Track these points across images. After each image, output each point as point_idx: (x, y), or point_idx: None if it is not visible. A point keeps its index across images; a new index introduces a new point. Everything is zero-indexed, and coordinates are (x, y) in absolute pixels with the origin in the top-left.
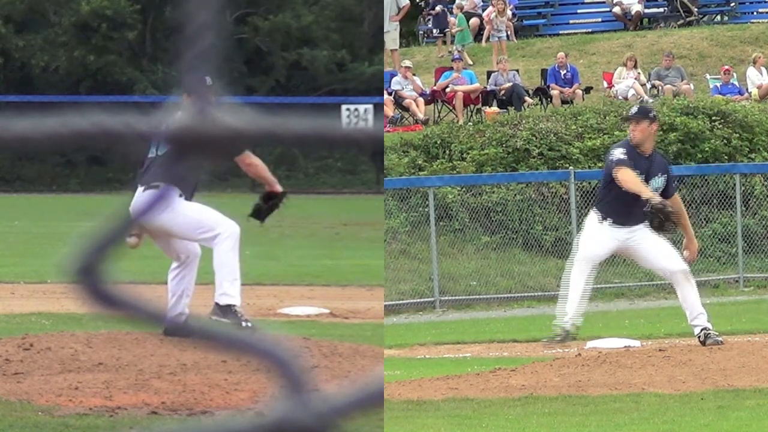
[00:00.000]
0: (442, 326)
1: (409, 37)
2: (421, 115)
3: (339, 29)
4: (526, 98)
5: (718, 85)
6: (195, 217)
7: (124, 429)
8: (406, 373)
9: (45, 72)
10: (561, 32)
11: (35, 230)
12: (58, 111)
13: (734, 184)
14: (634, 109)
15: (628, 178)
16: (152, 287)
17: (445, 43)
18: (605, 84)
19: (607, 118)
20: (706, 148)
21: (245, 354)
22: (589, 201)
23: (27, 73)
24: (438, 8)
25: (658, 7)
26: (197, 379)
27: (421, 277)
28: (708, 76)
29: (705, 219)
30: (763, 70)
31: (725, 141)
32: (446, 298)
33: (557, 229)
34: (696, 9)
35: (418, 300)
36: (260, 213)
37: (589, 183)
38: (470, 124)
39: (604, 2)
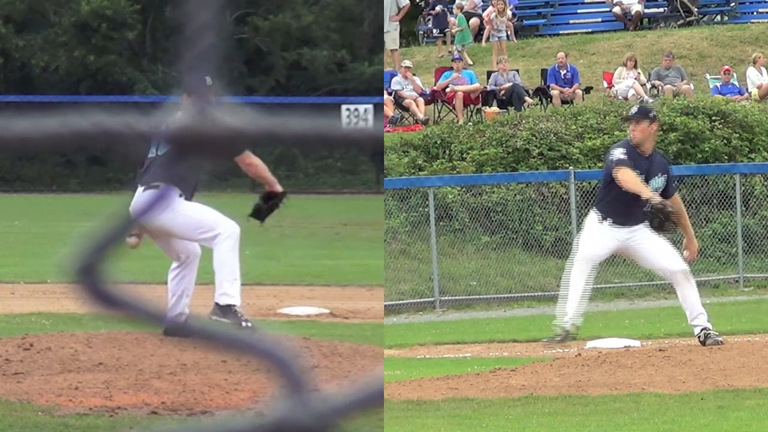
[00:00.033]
0: (442, 326)
1: (409, 37)
2: (421, 115)
3: (339, 29)
4: (526, 98)
5: (718, 85)
6: (195, 217)
7: (124, 429)
8: (406, 373)
9: (45, 72)
10: (561, 32)
11: (35, 230)
12: (58, 111)
13: (734, 184)
14: (634, 109)
15: (628, 178)
16: (152, 287)
17: (445, 43)
18: (605, 84)
19: (607, 118)
20: (706, 148)
21: (245, 354)
22: (589, 201)
23: (27, 73)
24: (438, 8)
25: (658, 7)
26: (197, 379)
27: (421, 277)
28: (708, 76)
29: (705, 219)
30: (763, 70)
31: (725, 141)
32: (446, 298)
33: (557, 229)
34: (696, 9)
35: (418, 300)
36: (260, 213)
37: (589, 183)
38: (470, 124)
39: (604, 2)
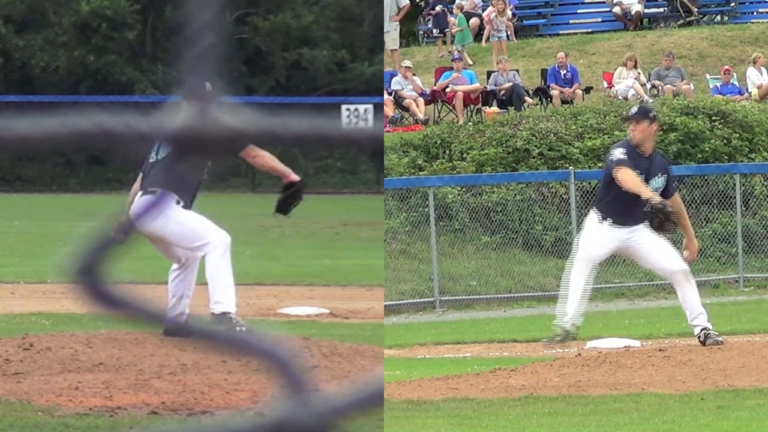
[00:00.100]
0: (442, 326)
1: (409, 37)
2: (421, 115)
3: (339, 29)
4: (526, 98)
5: (718, 85)
6: (186, 225)
7: (124, 429)
8: (406, 373)
9: (45, 72)
10: (561, 32)
11: (35, 230)
12: (58, 111)
13: (734, 184)
14: (634, 109)
15: (628, 178)
16: (152, 287)
17: (445, 43)
18: (605, 84)
19: (607, 118)
20: (706, 148)
21: (245, 354)
22: (589, 201)
23: (27, 73)
24: (438, 8)
25: (658, 7)
26: (197, 379)
27: (421, 277)
28: (708, 76)
29: (705, 219)
30: (763, 70)
31: (725, 141)
32: (446, 298)
33: (557, 229)
34: (696, 9)
35: (418, 300)
36: (282, 206)
37: (589, 183)
38: (470, 124)
39: (604, 2)
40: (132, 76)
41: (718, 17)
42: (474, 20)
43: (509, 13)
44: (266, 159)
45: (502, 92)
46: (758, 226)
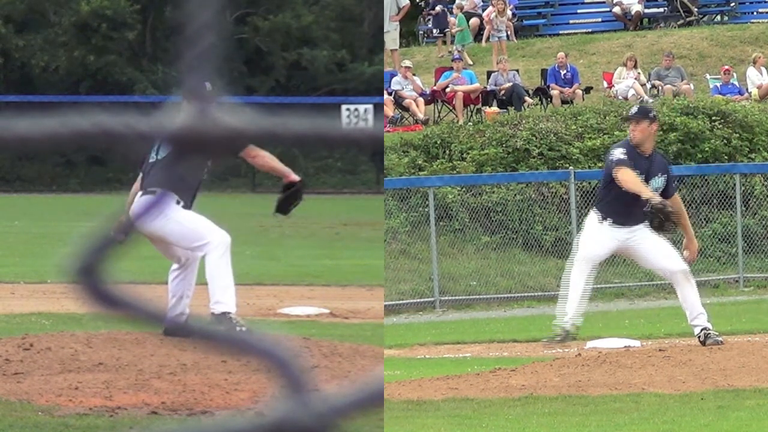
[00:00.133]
0: (442, 326)
1: (409, 37)
2: (421, 115)
3: (339, 29)
4: (526, 98)
5: (718, 85)
6: (186, 225)
7: (124, 429)
8: (406, 373)
9: (45, 72)
10: (561, 32)
11: (35, 230)
12: (58, 111)
13: (734, 184)
14: (634, 109)
15: (628, 178)
16: (152, 287)
17: (445, 43)
18: (605, 84)
19: (607, 118)
20: (706, 148)
21: (245, 354)
22: (589, 201)
23: (27, 73)
24: (438, 8)
25: (658, 7)
26: (197, 379)
27: (421, 277)
28: (708, 76)
29: (705, 219)
30: (763, 70)
31: (725, 141)
32: (446, 298)
33: (557, 229)
34: (696, 9)
35: (418, 300)
36: (281, 206)
37: (589, 183)
38: (470, 124)
39: (604, 2)
40: (132, 76)
41: (718, 17)
42: (474, 20)
43: (509, 13)
44: (266, 159)
45: (502, 92)
46: (758, 226)
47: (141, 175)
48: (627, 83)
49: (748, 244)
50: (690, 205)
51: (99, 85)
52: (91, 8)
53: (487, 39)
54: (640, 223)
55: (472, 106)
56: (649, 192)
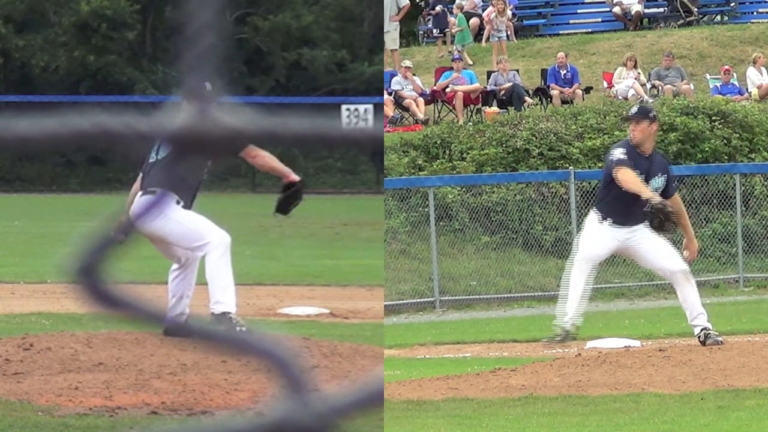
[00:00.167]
0: (442, 326)
1: (409, 37)
2: (421, 115)
3: (339, 29)
4: (526, 98)
5: (718, 85)
6: (186, 225)
7: (124, 429)
8: (406, 373)
9: (45, 72)
10: (561, 32)
11: (35, 230)
12: (58, 111)
13: (734, 184)
14: (634, 109)
15: (628, 178)
16: (152, 287)
17: (445, 43)
18: (605, 84)
19: (607, 118)
20: (706, 148)
21: (245, 354)
22: (589, 201)
23: (27, 73)
24: (438, 8)
25: (658, 7)
26: (197, 379)
27: (421, 277)
28: (708, 76)
29: (705, 219)
30: (763, 70)
31: (725, 141)
32: (446, 298)
33: (557, 229)
34: (696, 9)
35: (418, 300)
36: (281, 206)
37: (589, 183)
38: (470, 124)
39: (604, 2)
40: (132, 76)
41: (718, 17)
42: (474, 20)
43: (509, 13)
44: (266, 159)
45: (502, 92)
46: (758, 226)
47: (141, 175)
48: (627, 83)
49: (748, 244)
50: (690, 205)
51: (99, 85)
52: (91, 8)
53: (487, 39)
54: (640, 223)
55: (472, 106)
56: (649, 192)
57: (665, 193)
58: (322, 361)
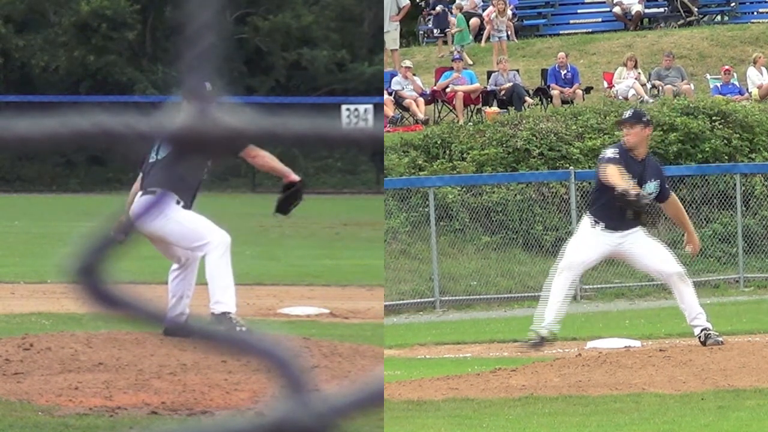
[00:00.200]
0: (443, 326)
1: (409, 37)
2: (421, 115)
3: (339, 29)
4: (527, 98)
5: (719, 85)
6: (186, 225)
7: (124, 429)
8: (406, 373)
9: (45, 72)
10: (561, 32)
11: (35, 230)
12: (58, 111)
13: (734, 184)
14: (628, 113)
15: (610, 172)
16: (152, 287)
17: (445, 43)
18: (605, 84)
19: (607, 118)
20: (707, 148)
21: (245, 354)
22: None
23: (27, 73)
24: (438, 8)
25: (659, 7)
26: (197, 379)
27: (421, 277)
28: (708, 76)
29: (705, 219)
30: (764, 70)
31: (725, 141)
32: (446, 298)
33: (557, 229)
34: (696, 9)
35: (419, 300)
36: (281, 206)
37: (589, 183)
38: (470, 124)
39: (604, 2)
40: (132, 76)
41: (719, 17)
42: (474, 20)
43: (509, 13)
44: (266, 159)
45: (503, 92)
46: (758, 226)
47: (141, 175)
48: (627, 83)
49: (748, 244)
50: (690, 205)
51: (99, 85)
52: (91, 8)
53: (488, 39)
54: (633, 227)
55: (472, 106)
56: (625, 185)
57: (660, 196)
58: (322, 361)
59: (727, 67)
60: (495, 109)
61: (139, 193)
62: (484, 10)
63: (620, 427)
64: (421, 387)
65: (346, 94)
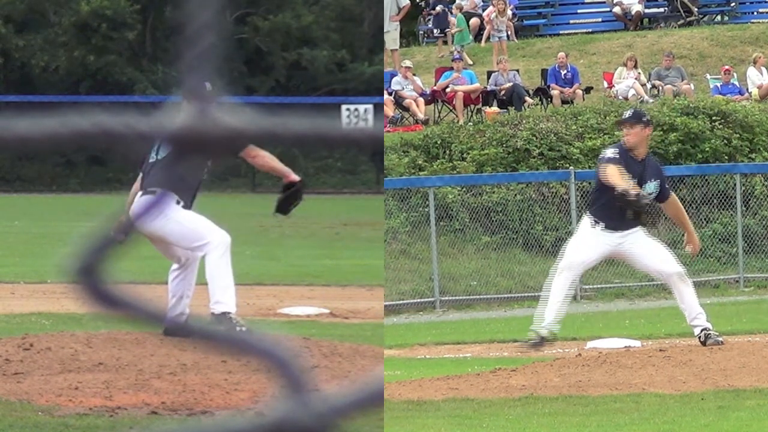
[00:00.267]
0: (443, 326)
1: (409, 37)
2: (421, 115)
3: (339, 29)
4: (527, 98)
5: (719, 85)
6: (186, 225)
7: (124, 429)
8: (406, 373)
9: (45, 72)
10: (561, 32)
11: (35, 230)
12: (58, 111)
13: (734, 184)
14: (628, 113)
15: (610, 172)
16: (152, 287)
17: (445, 43)
18: (605, 84)
19: (607, 118)
20: (707, 148)
21: (245, 354)
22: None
23: (27, 73)
24: (438, 8)
25: (659, 7)
26: (197, 379)
27: (421, 277)
28: (708, 76)
29: (705, 219)
30: (764, 70)
31: (725, 141)
32: (446, 298)
33: (557, 229)
34: (696, 9)
35: (419, 300)
36: (281, 206)
37: (590, 183)
38: (470, 124)
39: (604, 2)
40: (132, 76)
41: (719, 17)
42: (474, 20)
43: (509, 13)
44: (266, 159)
45: (503, 92)
46: (758, 226)
47: (141, 175)
48: (627, 83)
49: (748, 244)
50: (690, 205)
51: (99, 85)
52: (91, 8)
53: (488, 39)
54: (633, 227)
55: (472, 106)
56: (624, 185)
57: (660, 196)
58: (322, 361)
59: (727, 67)
60: (495, 109)
61: (139, 193)
62: (484, 10)
63: (620, 427)
64: (421, 387)
65: (346, 94)
